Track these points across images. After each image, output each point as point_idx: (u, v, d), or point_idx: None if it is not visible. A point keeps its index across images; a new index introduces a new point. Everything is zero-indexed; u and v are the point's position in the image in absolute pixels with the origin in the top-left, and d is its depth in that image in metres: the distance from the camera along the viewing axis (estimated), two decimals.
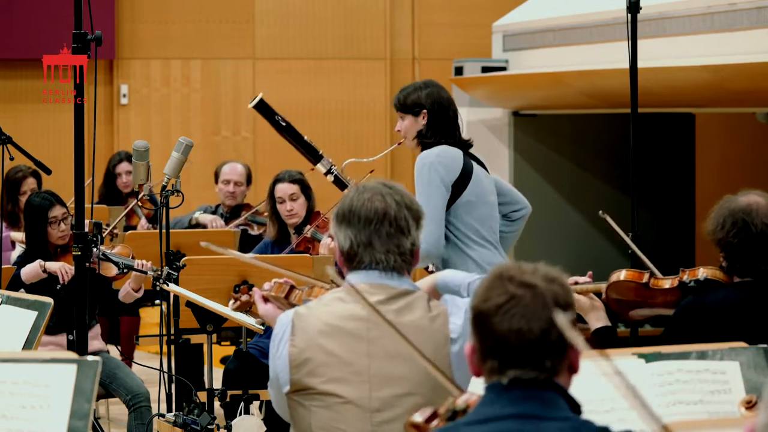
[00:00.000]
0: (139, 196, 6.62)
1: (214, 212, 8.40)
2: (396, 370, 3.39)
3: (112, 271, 6.12)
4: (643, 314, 4.41)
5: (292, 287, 3.93)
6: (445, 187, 5.21)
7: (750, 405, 3.34)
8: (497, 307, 2.56)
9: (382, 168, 12.74)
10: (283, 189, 6.92)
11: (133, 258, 6.18)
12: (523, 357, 2.55)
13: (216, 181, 8.53)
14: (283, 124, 5.89)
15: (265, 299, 3.89)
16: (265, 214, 8.13)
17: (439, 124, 5.37)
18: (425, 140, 5.37)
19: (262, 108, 5.88)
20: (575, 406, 2.60)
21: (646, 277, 4.33)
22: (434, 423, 3.64)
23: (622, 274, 4.36)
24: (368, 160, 6.04)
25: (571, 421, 2.55)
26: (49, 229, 6.17)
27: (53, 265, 6.09)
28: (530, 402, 2.55)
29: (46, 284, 6.06)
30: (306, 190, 6.95)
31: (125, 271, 6.09)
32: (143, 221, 8.56)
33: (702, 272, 4.21)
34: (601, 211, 4.96)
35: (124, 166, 8.86)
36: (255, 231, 8.17)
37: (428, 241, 5.04)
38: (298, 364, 3.42)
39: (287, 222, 6.92)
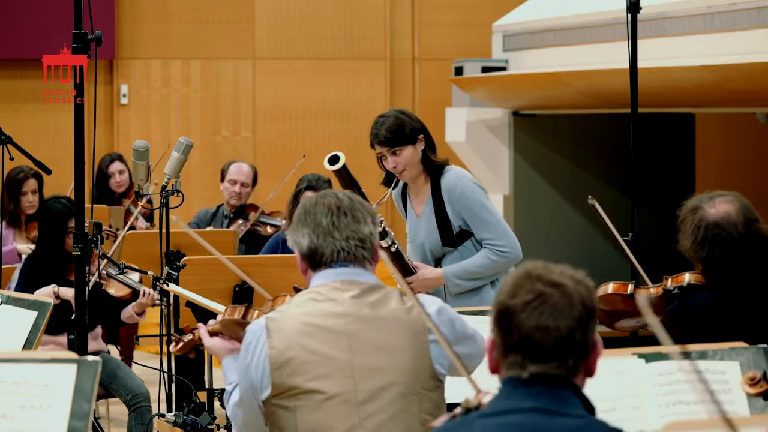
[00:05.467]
0: (140, 197, 6.62)
1: (215, 213, 8.38)
2: (378, 362, 3.40)
3: (118, 291, 6.10)
4: (629, 325, 4.42)
5: (249, 307, 3.81)
6: None
7: (754, 382, 3.34)
8: (525, 304, 2.59)
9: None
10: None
11: (140, 281, 6.15)
12: (549, 353, 2.58)
13: (222, 180, 8.50)
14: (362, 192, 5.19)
15: (211, 333, 3.82)
16: (273, 214, 8.19)
17: (431, 143, 5.37)
18: (435, 162, 5.34)
19: (344, 172, 5.34)
20: (590, 407, 2.63)
21: (630, 288, 4.34)
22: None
23: (609, 288, 4.39)
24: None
25: (586, 419, 2.59)
26: (67, 239, 6.08)
27: (68, 293, 5.98)
28: (548, 397, 2.58)
29: (58, 309, 5.66)
30: None
31: (124, 271, 6.09)
32: (141, 221, 8.55)
33: (685, 278, 4.22)
34: (590, 197, 4.94)
35: (116, 166, 8.92)
36: (268, 232, 8.18)
37: (514, 247, 5.23)
38: (279, 365, 3.40)
39: None
